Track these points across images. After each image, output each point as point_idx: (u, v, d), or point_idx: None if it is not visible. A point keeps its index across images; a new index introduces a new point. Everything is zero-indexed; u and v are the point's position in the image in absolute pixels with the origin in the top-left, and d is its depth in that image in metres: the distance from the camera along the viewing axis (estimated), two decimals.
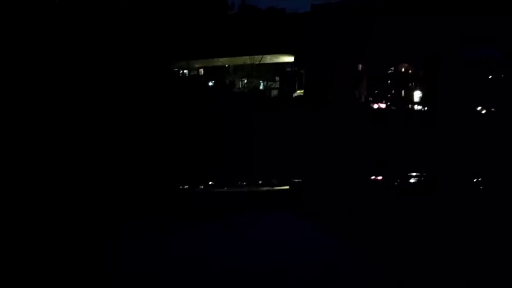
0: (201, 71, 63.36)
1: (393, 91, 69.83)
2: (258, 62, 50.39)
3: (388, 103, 61.07)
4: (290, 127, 15.63)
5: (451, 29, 43.26)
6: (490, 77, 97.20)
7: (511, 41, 43.27)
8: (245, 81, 43.76)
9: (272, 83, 62.04)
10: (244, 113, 15.81)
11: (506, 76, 77.36)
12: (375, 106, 54.52)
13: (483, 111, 74.62)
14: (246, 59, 52.69)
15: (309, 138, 14.26)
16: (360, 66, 60.66)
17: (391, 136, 21.40)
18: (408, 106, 69.14)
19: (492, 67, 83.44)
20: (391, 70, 72.64)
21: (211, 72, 59.70)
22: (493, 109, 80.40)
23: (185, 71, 55.71)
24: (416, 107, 72.78)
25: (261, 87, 57.10)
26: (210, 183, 10.89)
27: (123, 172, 10.52)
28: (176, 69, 53.03)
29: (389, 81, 70.12)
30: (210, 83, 49.18)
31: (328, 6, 49.19)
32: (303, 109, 25.41)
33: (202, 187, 10.72)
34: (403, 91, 74.78)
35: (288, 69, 66.23)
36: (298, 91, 57.65)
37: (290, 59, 55.61)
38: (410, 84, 76.38)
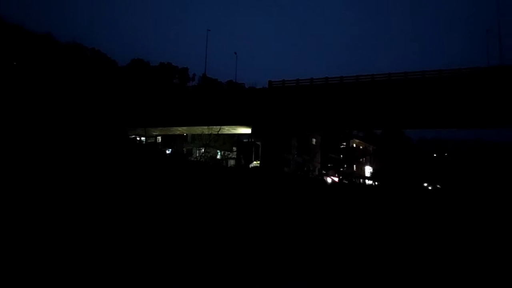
0: (159, 138, 63.50)
1: (345, 166, 72.39)
2: (216, 132, 51.27)
3: (341, 177, 62.91)
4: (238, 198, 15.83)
5: (397, 109, 46.53)
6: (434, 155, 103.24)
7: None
8: (203, 150, 44.11)
9: (229, 153, 62.92)
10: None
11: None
12: (328, 179, 56.01)
13: (430, 187, 78.28)
14: (204, 129, 53.45)
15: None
16: (314, 140, 63.07)
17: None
18: (360, 181, 71.52)
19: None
20: (344, 145, 75.96)
21: (169, 140, 59.97)
22: (438, 186, 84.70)
23: (142, 138, 55.67)
24: (367, 181, 75.36)
25: (218, 157, 57.66)
26: None
27: None
28: (134, 136, 53.00)
29: (341, 156, 72.93)
30: (168, 151, 49.18)
31: (284, 82, 51.95)
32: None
33: None
34: (355, 166, 77.79)
35: (246, 140, 67.83)
36: (255, 162, 58.59)
37: (247, 130, 57.05)
38: (361, 159, 79.83)
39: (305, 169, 54.96)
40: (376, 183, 72.79)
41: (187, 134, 62.86)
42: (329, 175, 60.06)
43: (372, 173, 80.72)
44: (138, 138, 54.10)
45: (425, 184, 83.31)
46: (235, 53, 65.84)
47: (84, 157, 13.42)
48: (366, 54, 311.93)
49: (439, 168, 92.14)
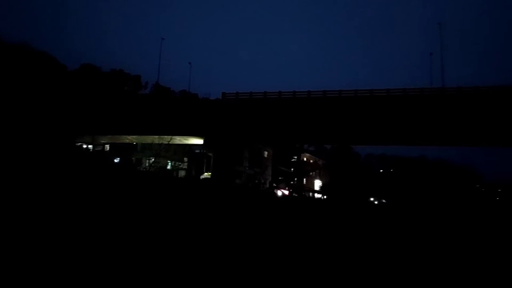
0: (107, 146, 61.55)
1: (295, 179, 73.37)
2: (167, 142, 50.49)
3: (291, 190, 63.68)
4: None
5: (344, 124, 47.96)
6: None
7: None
8: (152, 160, 43.18)
9: (180, 163, 62.00)
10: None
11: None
12: (279, 192, 56.51)
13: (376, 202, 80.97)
14: (155, 138, 52.55)
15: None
16: (266, 153, 63.53)
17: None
18: (309, 194, 72.76)
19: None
20: (295, 158, 77.06)
21: (118, 149, 58.21)
22: (384, 201, 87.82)
23: (89, 146, 53.81)
24: (317, 195, 76.83)
25: (168, 167, 56.68)
26: None
27: None
28: (80, 144, 51.09)
29: (292, 169, 73.89)
30: (116, 160, 47.79)
31: (238, 95, 52.17)
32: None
33: None
34: (305, 179, 79.07)
35: (197, 151, 67.18)
36: (206, 173, 58.13)
37: (199, 141, 56.61)
38: (311, 173, 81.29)
39: (256, 181, 55.20)
40: (325, 196, 74.37)
41: (137, 143, 61.37)
42: (279, 188, 60.60)
43: (321, 187, 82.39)
44: (85, 146, 52.38)
45: (372, 199, 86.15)
46: (190, 63, 65.47)
47: (18, 163, 12.75)
48: (321, 70, 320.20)
49: (385, 183, 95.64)
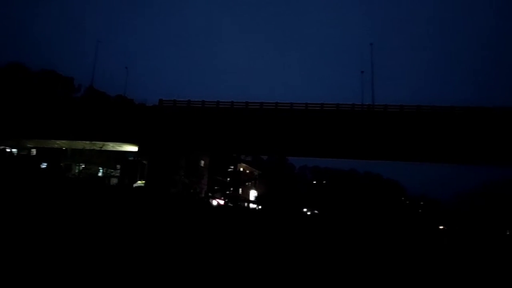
0: (34, 151, 58.14)
1: (231, 189, 73.55)
2: (99, 148, 48.71)
3: (226, 200, 63.77)
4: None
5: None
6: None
7: None
8: (83, 166, 41.49)
9: (112, 170, 59.90)
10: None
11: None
12: (214, 202, 56.38)
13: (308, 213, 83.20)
14: (86, 144, 50.51)
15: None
16: (202, 162, 63.18)
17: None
18: (245, 204, 73.26)
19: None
20: (231, 168, 77.32)
21: (45, 154, 55.13)
22: (316, 212, 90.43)
23: (13, 150, 50.55)
24: (252, 205, 77.55)
25: (100, 174, 54.55)
26: None
27: None
28: (3, 147, 47.90)
29: (228, 179, 74.04)
30: (43, 165, 45.26)
31: (175, 102, 51.64)
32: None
33: None
34: (241, 189, 79.48)
35: (131, 158, 65.29)
36: (140, 182, 56.64)
37: (134, 148, 55.17)
38: (247, 183, 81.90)
39: (192, 190, 54.71)
40: (260, 207, 75.23)
41: (67, 148, 58.52)
42: (215, 198, 60.48)
43: (256, 197, 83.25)
44: (8, 149, 49.08)
45: (305, 210, 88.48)
46: (126, 67, 63.95)
47: None
48: (261, 79, 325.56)
49: (317, 194, 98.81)
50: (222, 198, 64.46)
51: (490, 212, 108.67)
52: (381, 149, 47.59)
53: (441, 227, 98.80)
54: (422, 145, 45.36)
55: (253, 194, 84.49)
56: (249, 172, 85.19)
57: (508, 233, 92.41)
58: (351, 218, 65.55)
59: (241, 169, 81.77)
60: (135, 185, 54.03)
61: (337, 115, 47.10)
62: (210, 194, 61.76)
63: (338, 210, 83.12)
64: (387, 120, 45.62)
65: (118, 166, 65.26)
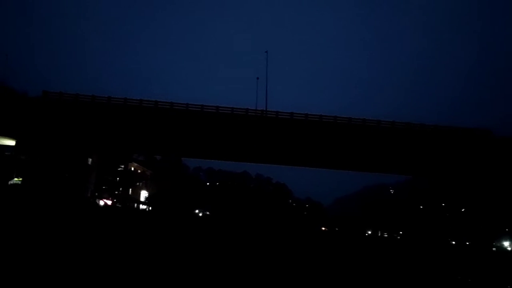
0: None
1: (121, 189, 70.64)
2: None
3: (115, 200, 61.27)
4: None
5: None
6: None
7: None
8: None
9: None
10: None
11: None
12: (101, 202, 53.81)
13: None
14: None
15: None
16: (90, 160, 59.69)
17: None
18: (134, 205, 70.98)
19: None
20: (122, 167, 74.17)
21: None
22: (208, 213, 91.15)
23: None
24: (142, 206, 75.44)
25: None
26: None
27: None
28: None
29: (118, 178, 70.91)
30: None
31: (61, 95, 47.99)
32: None
33: None
34: (131, 190, 76.70)
35: (7, 153, 59.15)
36: (16, 179, 51.75)
37: (11, 143, 50.22)
38: (138, 183, 79.27)
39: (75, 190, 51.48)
40: (150, 208, 73.44)
41: None
42: (102, 198, 57.64)
43: (147, 198, 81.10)
44: None
45: (197, 211, 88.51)
46: (7, 55, 57.83)
47: None
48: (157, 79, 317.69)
49: (210, 195, 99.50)
50: (110, 198, 61.73)
51: (363, 215, 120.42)
52: (272, 153, 49.65)
53: (323, 228, 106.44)
54: (308, 151, 48.45)
55: (144, 194, 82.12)
56: (141, 171, 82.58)
57: (379, 234, 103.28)
58: (241, 219, 67.22)
59: (133, 168, 78.88)
60: (10, 182, 49.45)
61: (232, 119, 47.93)
62: (96, 194, 58.71)
63: (229, 211, 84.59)
64: (278, 126, 47.66)
65: None
